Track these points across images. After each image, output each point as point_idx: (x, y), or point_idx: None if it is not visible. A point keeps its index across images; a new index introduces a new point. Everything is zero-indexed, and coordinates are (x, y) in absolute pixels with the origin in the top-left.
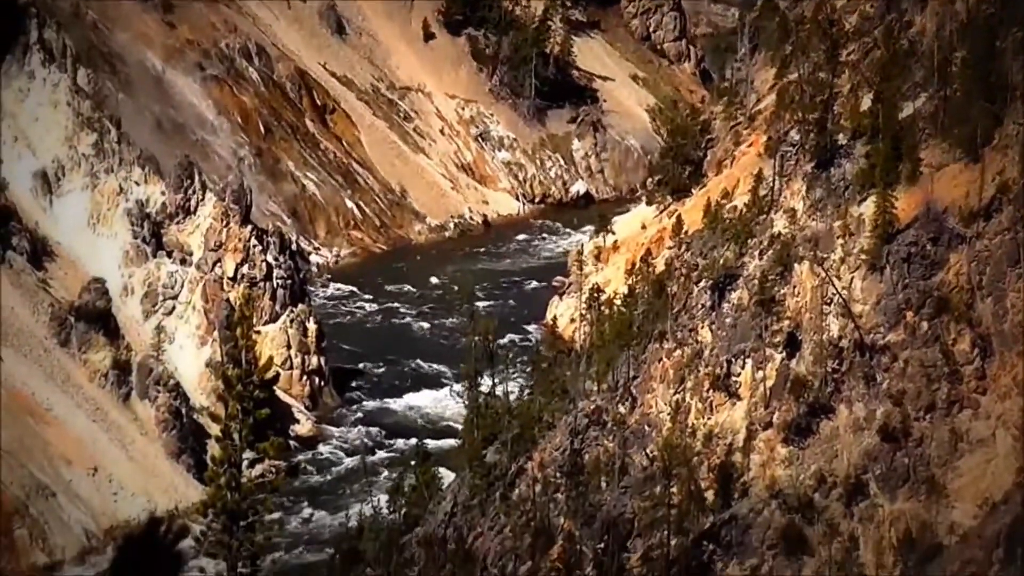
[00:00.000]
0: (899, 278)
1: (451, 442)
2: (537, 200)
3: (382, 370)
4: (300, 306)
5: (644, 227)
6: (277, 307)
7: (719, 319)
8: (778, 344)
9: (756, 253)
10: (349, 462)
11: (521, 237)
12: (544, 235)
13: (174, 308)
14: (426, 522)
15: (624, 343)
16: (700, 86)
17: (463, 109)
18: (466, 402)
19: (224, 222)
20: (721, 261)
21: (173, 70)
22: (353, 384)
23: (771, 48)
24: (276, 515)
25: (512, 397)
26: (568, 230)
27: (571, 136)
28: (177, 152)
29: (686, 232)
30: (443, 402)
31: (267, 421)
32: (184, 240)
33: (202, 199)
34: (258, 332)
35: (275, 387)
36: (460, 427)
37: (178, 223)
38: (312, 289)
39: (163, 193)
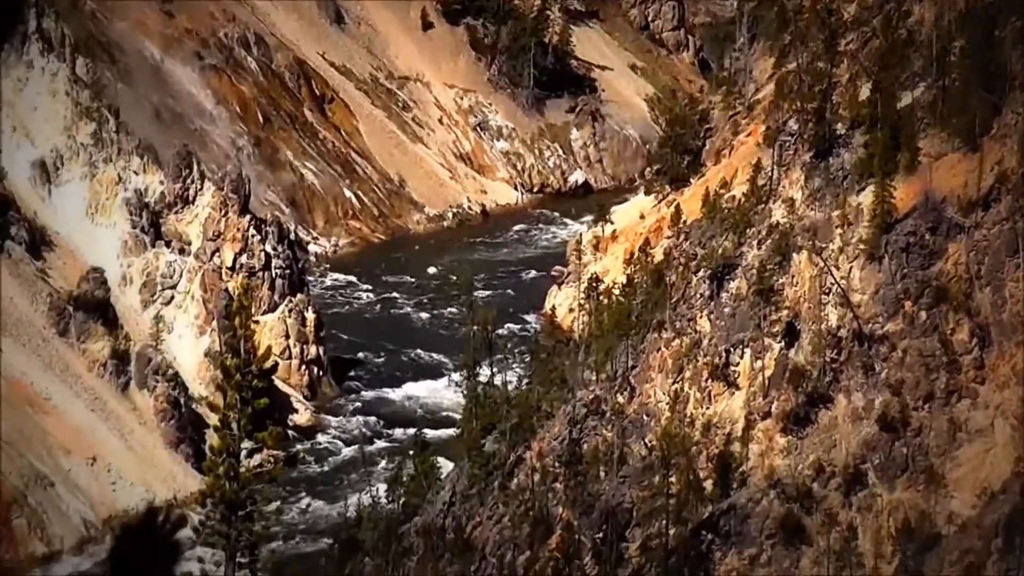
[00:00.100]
0: (898, 268)
1: (450, 432)
2: (535, 190)
3: (381, 360)
4: (299, 296)
5: (643, 217)
6: (276, 297)
7: (718, 309)
8: (777, 334)
9: (755, 243)
10: (348, 452)
11: (519, 227)
12: (542, 225)
13: (173, 298)
14: (425, 512)
15: (623, 333)
16: (699, 75)
17: (462, 99)
18: (465, 392)
19: (223, 212)
20: (720, 251)
21: (172, 59)
22: (352, 374)
23: (770, 37)
24: (274, 504)
25: (511, 387)
26: (566, 220)
27: (570, 126)
28: (176, 141)
29: (685, 222)
30: (442, 392)
31: (265, 411)
32: (183, 230)
33: (201, 188)
34: (257, 322)
35: (274, 377)
36: (459, 417)
37: (177, 213)
38: (311, 279)
39: (162, 183)
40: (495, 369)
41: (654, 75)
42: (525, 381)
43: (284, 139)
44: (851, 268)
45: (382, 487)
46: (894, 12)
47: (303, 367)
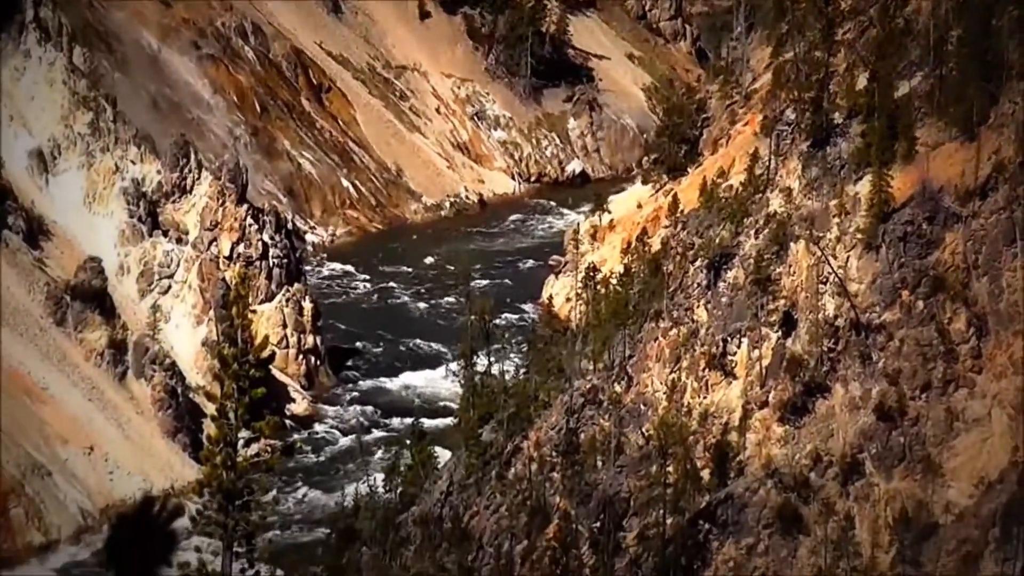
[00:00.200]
0: (895, 257)
1: (447, 421)
2: (533, 179)
3: (378, 349)
4: (296, 285)
5: (640, 206)
6: (273, 286)
7: (715, 298)
8: (774, 323)
9: (752, 232)
10: (345, 441)
11: (517, 216)
12: (540, 214)
13: (170, 287)
14: (422, 501)
15: (620, 322)
16: (696, 65)
17: (459, 88)
18: (462, 381)
19: (220, 201)
20: (717, 240)
21: (169, 49)
22: (349, 363)
23: (767, 27)
24: (271, 494)
25: (508, 376)
26: (564, 210)
27: (567, 115)
28: (173, 131)
29: (682, 211)
30: (439, 381)
31: (263, 400)
32: (180, 219)
33: (198, 178)
34: (254, 311)
35: (271, 366)
36: (456, 406)
37: (174, 202)
38: (308, 268)
39: (159, 172)
40: (492, 359)
41: (651, 64)
42: (522, 371)
43: (281, 129)
44: (848, 257)
45: (379, 476)
46: (891, 1)
47: (300, 356)
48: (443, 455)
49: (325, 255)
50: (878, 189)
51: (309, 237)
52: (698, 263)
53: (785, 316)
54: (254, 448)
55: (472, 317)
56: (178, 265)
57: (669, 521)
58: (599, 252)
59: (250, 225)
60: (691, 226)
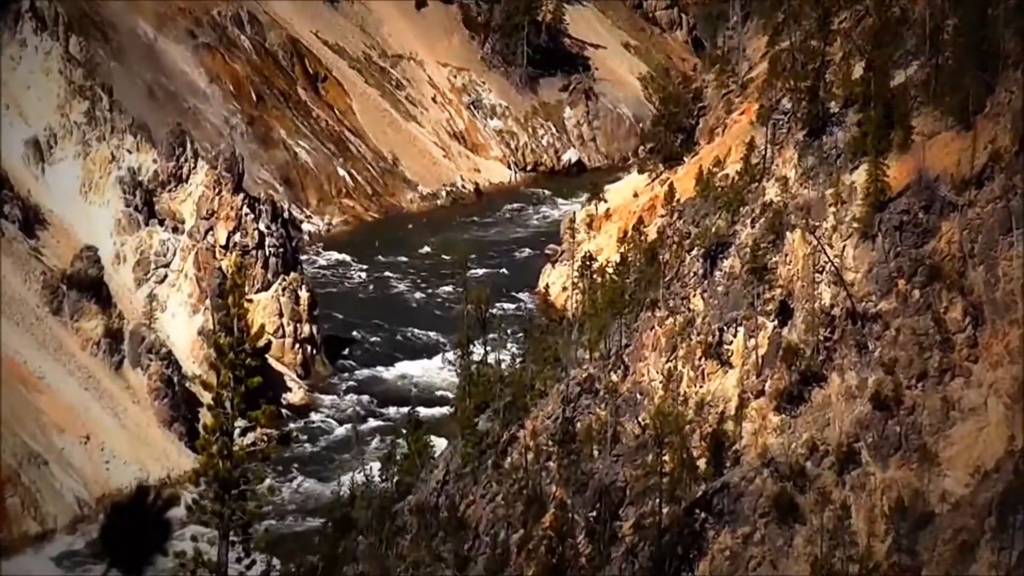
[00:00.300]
0: (891, 246)
1: (443, 410)
2: (529, 168)
3: (374, 339)
4: (292, 274)
5: (636, 195)
6: (269, 275)
7: (711, 287)
8: (770, 312)
9: (748, 221)
10: (341, 430)
11: (513, 205)
12: (536, 203)
13: (166, 276)
14: (418, 490)
15: (616, 311)
16: (692, 54)
17: (455, 77)
18: (458, 370)
19: (216, 190)
20: (713, 229)
21: (165, 38)
22: (345, 352)
23: (763, 16)
24: (267, 483)
25: (504, 365)
26: (559, 199)
27: (563, 104)
28: (169, 120)
29: (678, 200)
30: (435, 371)
31: (259, 389)
32: (176, 208)
33: (194, 167)
34: (250, 300)
35: (267, 355)
36: (452, 395)
37: (170, 191)
38: (304, 257)
39: (155, 161)
40: (489, 348)
41: (647, 53)
42: (519, 360)
43: (277, 118)
44: (844, 246)
45: (376, 466)
46: None
47: (296, 346)
48: (439, 444)
49: (321, 244)
50: (874, 178)
51: (305, 226)
52: (694, 252)
53: (781, 305)
54: (250, 437)
55: (469, 306)
56: (174, 254)
57: (665, 510)
58: (595, 241)
59: (246, 214)
60: (687, 215)
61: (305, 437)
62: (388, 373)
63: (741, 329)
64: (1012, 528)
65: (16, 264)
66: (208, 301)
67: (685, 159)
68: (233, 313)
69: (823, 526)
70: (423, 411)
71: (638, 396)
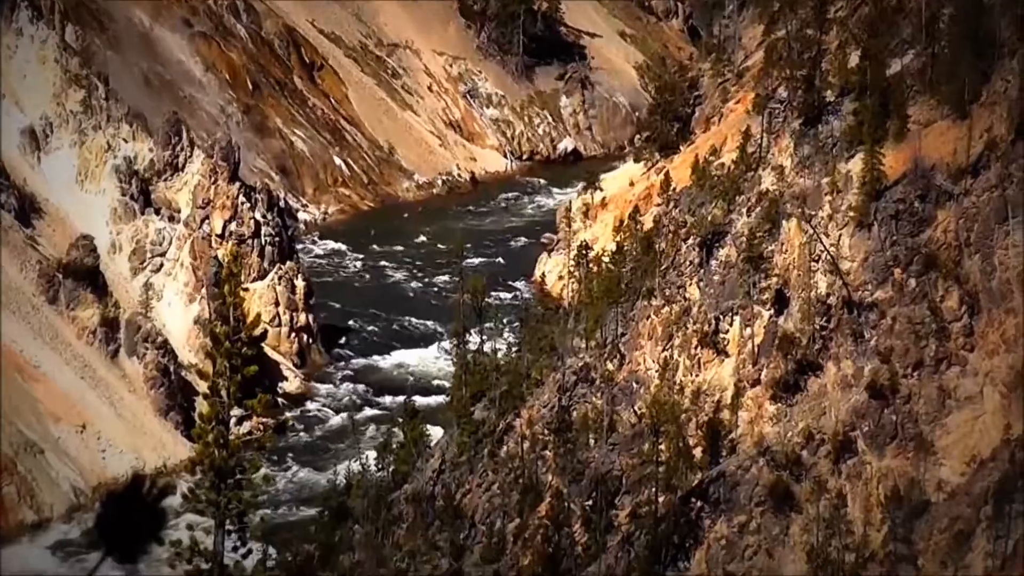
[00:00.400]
0: (887, 235)
1: (439, 399)
2: (525, 157)
3: (370, 327)
4: (288, 263)
5: (632, 184)
6: (265, 264)
7: (707, 276)
8: (766, 301)
9: (744, 210)
10: (337, 419)
11: (509, 194)
12: (531, 192)
13: (162, 265)
14: (414, 479)
15: (612, 300)
16: (688, 43)
17: (451, 66)
18: (454, 359)
19: (212, 179)
20: (709, 218)
21: (161, 27)
22: (341, 341)
23: (759, 4)
24: (263, 471)
25: (500, 354)
26: (555, 187)
27: (559, 93)
28: (165, 109)
29: (674, 189)
30: (431, 359)
31: (255, 378)
32: (172, 197)
33: (190, 156)
34: (246, 289)
35: (263, 344)
36: (448, 384)
37: (166, 180)
38: (300, 246)
39: (151, 150)
40: (485, 337)
41: (643, 42)
42: (515, 349)
43: (273, 106)
44: (840, 235)
45: (372, 455)
46: None
47: (293, 335)
48: (435, 433)
49: (317, 233)
50: (870, 167)
51: (301, 215)
52: (690, 241)
53: (777, 294)
54: (246, 426)
55: (465, 295)
56: (170, 243)
57: (661, 499)
58: (591, 230)
59: (242, 203)
60: (683, 204)
61: (301, 426)
62: (384, 362)
63: (737, 318)
64: (1008, 517)
65: (12, 253)
66: (204, 290)
67: (681, 148)
68: (229, 302)
69: (819, 515)
70: (419, 400)
71: (634, 385)
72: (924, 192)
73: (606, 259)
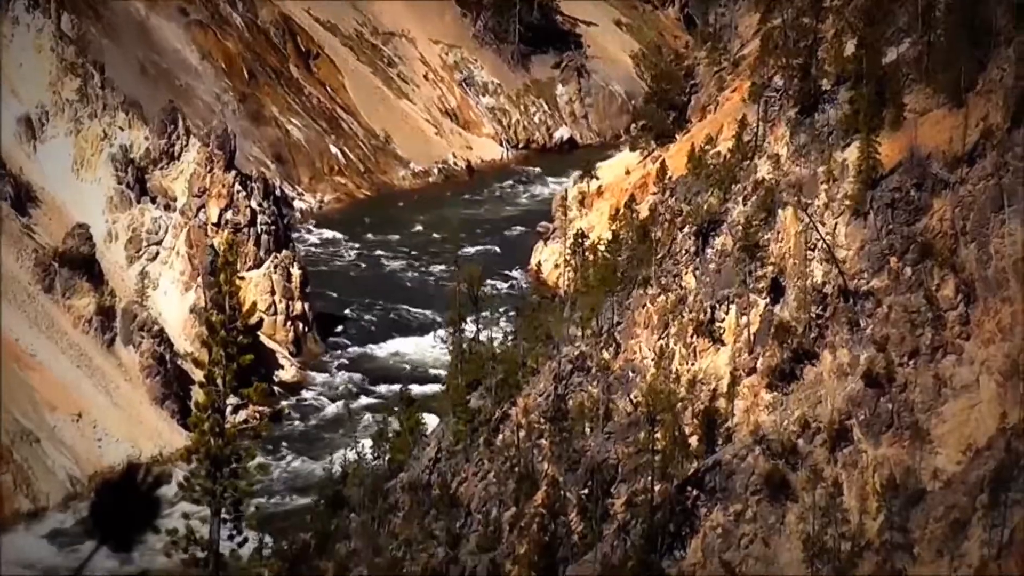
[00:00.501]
0: (883, 223)
1: (435, 388)
2: (521, 146)
3: (367, 316)
4: (284, 252)
5: (628, 173)
6: (261, 253)
7: (703, 265)
8: (762, 290)
9: (740, 199)
10: (333, 408)
11: (505, 183)
12: (528, 181)
13: (158, 254)
14: (410, 468)
15: (608, 289)
16: (684, 31)
17: (447, 55)
18: (450, 348)
19: (208, 168)
20: (705, 207)
21: (156, 15)
22: (337, 330)
23: None
24: (259, 460)
25: (496, 343)
26: (551, 176)
27: (555, 81)
28: (161, 97)
29: (670, 178)
30: (427, 348)
31: (251, 367)
32: (168, 186)
33: (186, 145)
34: (242, 278)
35: (259, 333)
36: (444, 373)
37: (162, 169)
38: (296, 235)
39: (147, 139)
40: (481, 325)
41: (639, 31)
42: (511, 337)
43: (269, 95)
44: (836, 224)
45: (368, 443)
46: None
47: (288, 323)
48: (431, 422)
49: (313, 222)
50: (866, 156)
51: (297, 203)
52: (686, 230)
53: (773, 283)
54: (242, 415)
55: (461, 284)
56: (166, 232)
57: (657, 488)
58: (587, 219)
59: (238, 192)
60: (679, 193)
61: (297, 415)
62: (380, 351)
63: (733, 307)
64: (1004, 505)
65: (8, 242)
66: (200, 279)
67: (677, 136)
68: (225, 291)
69: (815, 503)
70: (415, 389)
71: (630, 374)
72: (920, 180)
73: (602, 248)
